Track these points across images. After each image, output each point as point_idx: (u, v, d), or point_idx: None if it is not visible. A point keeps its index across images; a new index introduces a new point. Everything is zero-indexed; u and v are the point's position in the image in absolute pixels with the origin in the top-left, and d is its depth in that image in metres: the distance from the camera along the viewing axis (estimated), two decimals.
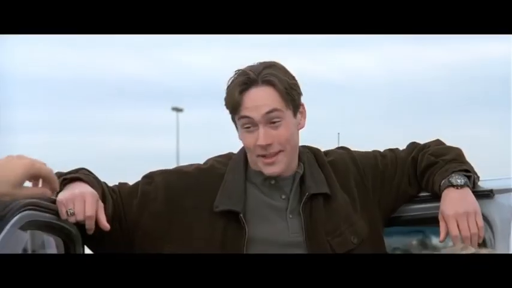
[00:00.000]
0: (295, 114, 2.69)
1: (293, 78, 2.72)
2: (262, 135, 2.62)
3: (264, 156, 2.65)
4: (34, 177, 2.09)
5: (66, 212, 2.46)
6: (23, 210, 2.23)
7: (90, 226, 2.50)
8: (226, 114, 2.74)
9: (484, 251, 2.46)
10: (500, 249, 2.64)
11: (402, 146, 2.94)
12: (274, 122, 2.64)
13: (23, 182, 2.06)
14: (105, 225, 2.50)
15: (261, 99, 2.66)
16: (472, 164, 2.91)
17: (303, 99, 2.77)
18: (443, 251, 2.45)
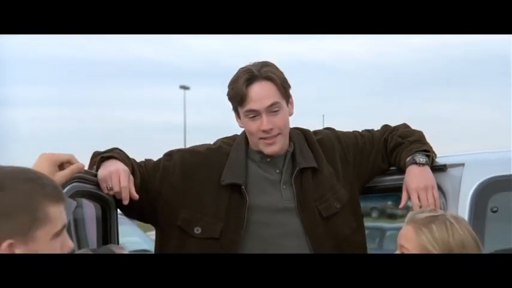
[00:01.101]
0: (287, 104, 3.06)
1: (283, 74, 3.09)
2: (266, 122, 2.97)
3: (265, 138, 2.98)
4: (58, 163, 2.57)
5: (106, 187, 2.83)
6: (71, 183, 2.60)
7: (123, 197, 2.84)
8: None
9: (436, 212, 2.73)
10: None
11: (383, 122, 3.27)
12: (274, 111, 2.99)
13: (53, 170, 2.54)
14: (135, 195, 2.85)
15: (263, 92, 3.01)
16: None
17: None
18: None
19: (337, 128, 3.35)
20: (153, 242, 9.90)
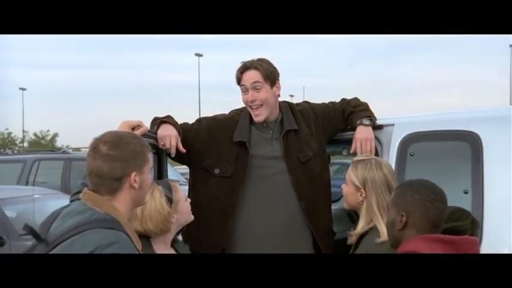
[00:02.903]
0: (272, 87, 3.63)
1: (273, 67, 3.66)
2: (250, 95, 3.60)
3: (252, 108, 3.62)
4: (132, 127, 3.29)
5: (161, 144, 3.52)
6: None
7: (172, 152, 3.54)
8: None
9: (366, 157, 3.33)
10: (385, 157, 3.62)
11: (351, 95, 3.85)
12: (257, 88, 3.59)
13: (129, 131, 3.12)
14: (182, 150, 3.55)
15: (250, 76, 3.60)
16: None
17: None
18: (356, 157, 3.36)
19: (312, 100, 3.92)
20: (179, 175, 11.26)
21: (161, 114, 3.63)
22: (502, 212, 3.24)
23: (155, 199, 3.06)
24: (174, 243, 3.23)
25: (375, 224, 3.06)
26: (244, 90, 3.63)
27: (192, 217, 3.26)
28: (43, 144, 46.73)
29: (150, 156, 2.47)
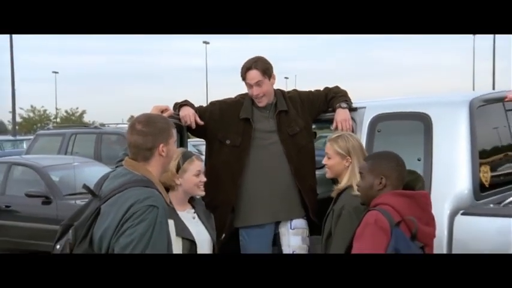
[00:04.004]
0: (269, 79, 3.87)
1: (268, 63, 3.87)
2: (255, 91, 3.85)
3: (256, 98, 3.90)
4: (161, 110, 3.57)
5: (183, 121, 3.83)
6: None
7: (193, 125, 3.83)
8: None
9: (341, 133, 3.45)
10: (358, 133, 3.76)
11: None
12: (259, 85, 3.83)
13: (159, 113, 3.34)
14: (200, 122, 3.83)
15: (252, 75, 3.84)
16: None
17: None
18: (334, 133, 3.53)
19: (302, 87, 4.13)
20: (191, 146, 11.50)
21: (172, 94, 4.06)
22: (445, 173, 3.49)
23: (173, 160, 3.16)
24: (192, 200, 3.38)
25: (351, 183, 3.26)
26: (249, 87, 3.88)
27: (201, 193, 3.35)
28: (73, 120, 46.82)
29: (174, 132, 2.64)
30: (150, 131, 2.50)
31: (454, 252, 3.25)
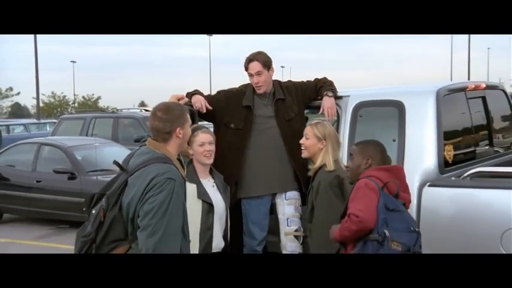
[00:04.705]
0: (268, 70, 3.99)
1: (268, 57, 4.00)
2: (255, 79, 3.97)
3: (256, 86, 4.01)
4: (177, 98, 3.65)
5: (195, 106, 3.97)
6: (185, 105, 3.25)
7: (203, 109, 3.96)
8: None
9: (321, 119, 3.61)
10: (343, 118, 3.95)
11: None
12: (259, 74, 3.96)
13: (175, 101, 3.40)
14: (209, 107, 3.96)
15: (254, 66, 3.98)
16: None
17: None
18: (322, 118, 3.71)
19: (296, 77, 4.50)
20: None
21: (180, 82, 4.24)
22: (415, 151, 3.65)
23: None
24: (212, 172, 3.54)
25: (325, 162, 3.47)
26: (251, 76, 4.01)
27: (207, 161, 3.45)
28: (89, 105, 46.81)
29: (188, 117, 2.73)
30: (168, 118, 2.60)
31: (421, 218, 3.45)
